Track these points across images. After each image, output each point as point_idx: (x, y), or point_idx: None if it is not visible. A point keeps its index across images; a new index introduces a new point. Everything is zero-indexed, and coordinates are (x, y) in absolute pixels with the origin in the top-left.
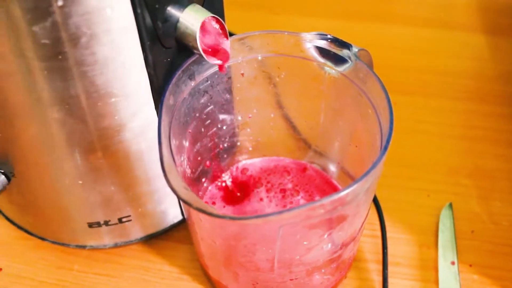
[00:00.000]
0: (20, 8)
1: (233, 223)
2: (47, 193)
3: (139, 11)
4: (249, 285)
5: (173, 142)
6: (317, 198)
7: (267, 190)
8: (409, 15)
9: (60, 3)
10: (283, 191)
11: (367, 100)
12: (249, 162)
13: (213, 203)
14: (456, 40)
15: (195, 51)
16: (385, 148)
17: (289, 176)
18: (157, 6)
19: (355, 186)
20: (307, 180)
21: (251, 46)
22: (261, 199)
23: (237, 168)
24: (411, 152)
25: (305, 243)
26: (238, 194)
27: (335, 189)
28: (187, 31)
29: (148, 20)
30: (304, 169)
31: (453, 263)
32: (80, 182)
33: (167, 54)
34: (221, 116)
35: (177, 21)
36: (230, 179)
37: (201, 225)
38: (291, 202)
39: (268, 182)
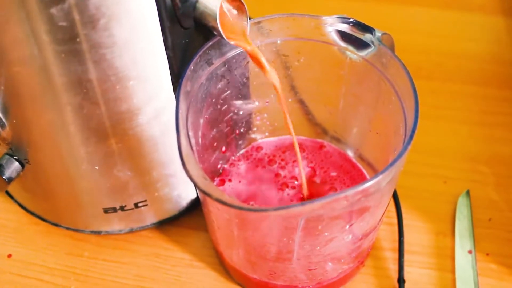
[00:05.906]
0: None
1: (253, 214)
2: (63, 179)
3: None
4: (267, 274)
5: (190, 129)
6: (333, 174)
7: (281, 168)
8: None
9: None
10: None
11: (390, 86)
12: (264, 141)
13: (229, 180)
14: (475, 23)
15: (214, 31)
16: (411, 137)
17: (304, 153)
18: None
19: (380, 177)
20: (323, 157)
21: (270, 29)
22: (276, 175)
23: (252, 147)
24: (427, 138)
25: (326, 234)
26: (253, 171)
27: (353, 166)
28: (207, 11)
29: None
30: (321, 146)
31: (470, 251)
32: (97, 167)
33: (185, 35)
34: (238, 101)
35: (196, 0)
36: (245, 157)
37: (219, 215)
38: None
39: (282, 160)
